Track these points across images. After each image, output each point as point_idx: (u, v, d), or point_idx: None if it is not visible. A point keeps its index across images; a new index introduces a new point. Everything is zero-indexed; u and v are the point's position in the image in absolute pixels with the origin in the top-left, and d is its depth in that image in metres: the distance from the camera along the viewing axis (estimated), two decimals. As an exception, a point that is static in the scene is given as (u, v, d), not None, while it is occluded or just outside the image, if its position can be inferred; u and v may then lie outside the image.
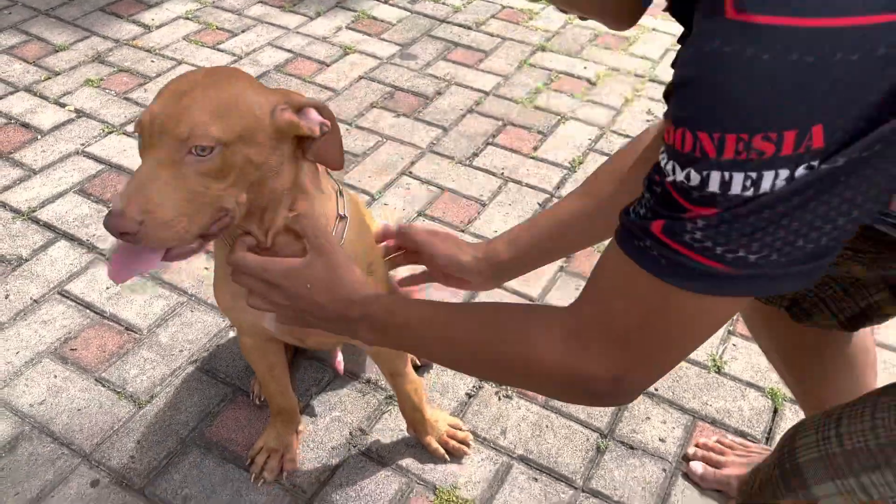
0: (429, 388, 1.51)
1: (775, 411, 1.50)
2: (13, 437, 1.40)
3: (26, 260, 1.77)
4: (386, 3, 3.00)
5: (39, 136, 2.17)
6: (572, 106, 2.42)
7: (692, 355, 1.59)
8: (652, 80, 2.57)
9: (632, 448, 1.43)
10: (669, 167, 0.57)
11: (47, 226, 1.86)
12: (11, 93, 2.35)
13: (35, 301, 1.66)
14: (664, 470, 1.39)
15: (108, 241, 1.81)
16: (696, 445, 1.43)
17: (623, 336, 0.65)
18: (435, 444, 1.39)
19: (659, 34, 2.86)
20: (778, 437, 1.43)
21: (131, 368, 1.53)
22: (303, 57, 2.62)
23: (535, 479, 1.37)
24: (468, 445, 1.40)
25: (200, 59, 2.56)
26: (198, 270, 1.76)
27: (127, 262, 0.84)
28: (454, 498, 1.33)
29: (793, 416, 1.50)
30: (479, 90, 2.49)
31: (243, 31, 2.74)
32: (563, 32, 2.86)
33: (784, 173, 0.52)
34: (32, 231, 1.84)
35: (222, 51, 2.62)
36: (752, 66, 0.50)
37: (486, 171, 2.12)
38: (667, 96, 0.81)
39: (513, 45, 2.76)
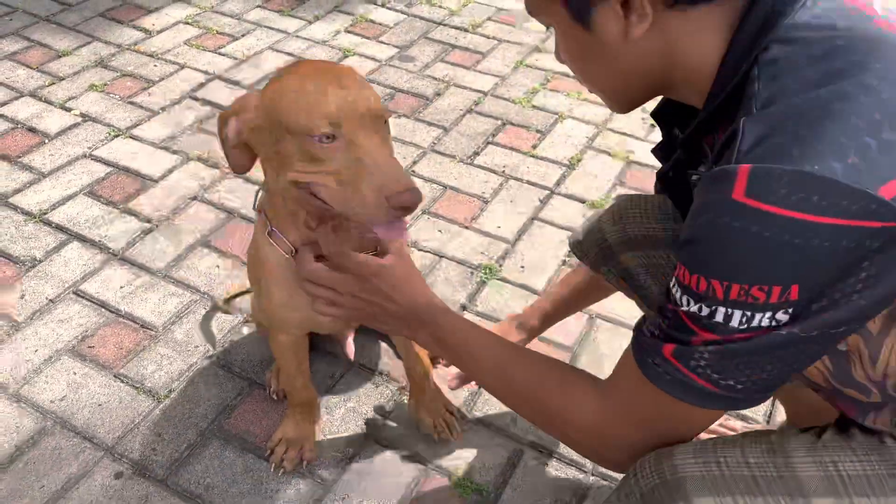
0: (439, 380, 1.56)
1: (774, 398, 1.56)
2: (36, 431, 1.43)
3: (40, 261, 1.80)
4: (383, 6, 3.05)
5: (47, 141, 2.20)
6: (569, 105, 2.47)
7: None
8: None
9: (638, 433, 1.48)
10: (683, 300, 0.73)
11: (59, 227, 1.89)
12: (16, 98, 2.38)
13: (51, 301, 1.70)
14: (670, 453, 1.44)
15: (122, 242, 1.84)
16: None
17: (638, 422, 0.83)
18: (427, 419, 1.44)
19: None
20: (779, 420, 1.49)
21: (149, 364, 1.57)
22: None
23: (546, 465, 1.42)
24: (454, 430, 1.44)
25: (203, 62, 2.60)
26: (209, 269, 1.80)
27: (399, 228, 0.92)
28: (469, 483, 1.38)
29: (791, 400, 1.55)
30: (478, 90, 2.54)
31: (243, 35, 2.78)
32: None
33: (768, 314, 0.69)
34: (45, 233, 1.88)
35: (224, 55, 2.65)
36: (755, 238, 0.66)
37: (488, 169, 2.17)
38: (655, 116, 0.97)
39: (509, 47, 2.81)
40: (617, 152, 2.26)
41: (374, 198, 0.88)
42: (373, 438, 1.45)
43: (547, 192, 2.10)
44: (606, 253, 1.25)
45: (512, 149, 2.27)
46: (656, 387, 0.77)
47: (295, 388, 1.36)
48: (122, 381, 1.53)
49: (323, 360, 1.60)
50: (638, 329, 0.81)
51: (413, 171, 2.15)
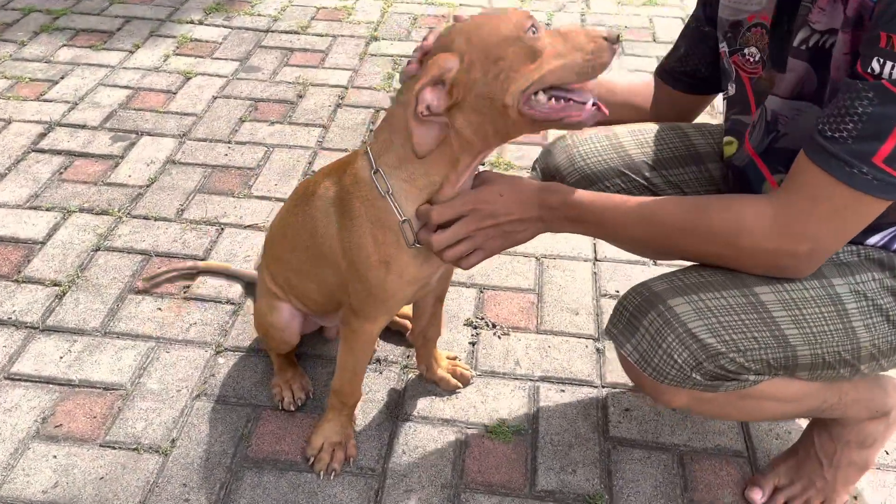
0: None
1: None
2: (42, 528, 1.27)
3: (-53, 357, 1.57)
4: (201, 24, 2.94)
5: None
6: (428, 82, 2.58)
7: (648, 265, 1.84)
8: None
9: (622, 342, 1.64)
10: (892, 70, 0.84)
11: (-48, 317, 1.65)
12: None
13: (-17, 394, 1.49)
14: (655, 350, 1.62)
15: (36, 313, 1.65)
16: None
17: (825, 227, 0.93)
18: (446, 375, 1.51)
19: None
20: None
21: (136, 423, 1.45)
22: (145, 90, 2.50)
23: (563, 391, 1.53)
24: (470, 374, 1.53)
25: (31, 113, 2.35)
26: (153, 313, 1.67)
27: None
28: (505, 429, 1.45)
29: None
30: (337, 86, 2.56)
31: (63, 77, 2.55)
32: (385, 21, 3.00)
33: None
34: (-63, 327, 1.63)
35: (51, 101, 2.42)
36: None
37: (382, 154, 2.22)
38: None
39: (345, 41, 2.85)
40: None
41: (594, 45, 0.99)
42: (398, 418, 1.47)
43: (446, 162, 2.19)
44: None
45: (397, 131, 2.33)
46: (857, 190, 0.89)
47: (357, 386, 1.34)
48: (115, 448, 1.40)
49: (318, 364, 1.57)
50: (826, 139, 0.90)
51: (313, 172, 2.14)
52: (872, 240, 1.05)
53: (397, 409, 1.49)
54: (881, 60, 0.86)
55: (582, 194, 1.09)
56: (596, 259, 1.86)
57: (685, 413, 1.49)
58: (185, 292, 1.74)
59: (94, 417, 1.46)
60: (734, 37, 1.15)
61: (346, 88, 2.55)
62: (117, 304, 1.70)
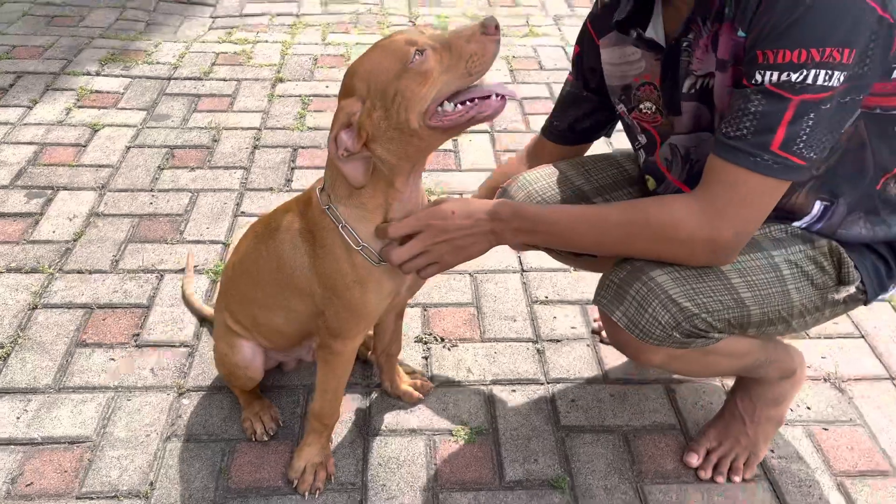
0: (390, 367, 1.71)
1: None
2: (31, 586, 1.27)
3: None
4: (98, 75, 2.91)
5: None
6: (339, 119, 2.69)
7: (570, 272, 2.03)
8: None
9: (559, 342, 1.81)
10: (773, 77, 1.05)
11: None
12: None
13: (-60, 464, 1.46)
14: (588, 345, 1.80)
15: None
16: (595, 321, 1.86)
17: (743, 211, 1.12)
18: (409, 388, 1.63)
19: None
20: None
21: (109, 471, 1.46)
22: (52, 145, 2.46)
23: (514, 391, 1.68)
24: (428, 385, 1.66)
25: (-68, 176, 2.27)
26: (104, 363, 1.68)
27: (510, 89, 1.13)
28: (468, 431, 1.57)
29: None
30: (251, 128, 2.63)
31: (-40, 138, 2.47)
32: (286, 63, 3.09)
33: (838, 74, 1.03)
34: None
35: (-48, 162, 2.34)
36: (838, 9, 1.01)
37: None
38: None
39: (251, 84, 2.92)
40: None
41: (475, 45, 1.08)
42: (369, 434, 1.56)
43: (370, 193, 2.31)
44: None
45: (319, 167, 2.42)
46: (764, 175, 1.08)
47: (338, 407, 1.42)
48: (93, 499, 1.41)
49: (283, 393, 1.64)
50: (727, 137, 1.10)
51: (243, 212, 2.20)
52: (795, 224, 1.28)
53: (366, 425, 1.58)
54: (762, 72, 1.08)
55: (530, 206, 1.25)
56: (523, 270, 2.03)
57: (660, 369, 1.67)
58: (135, 340, 1.76)
59: (65, 472, 1.46)
60: (628, 98, 1.37)
61: (260, 130, 2.62)
62: (66, 359, 1.70)
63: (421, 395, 1.63)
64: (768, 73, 1.07)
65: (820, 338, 1.84)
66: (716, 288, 1.21)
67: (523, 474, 1.49)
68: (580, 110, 1.52)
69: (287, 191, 2.30)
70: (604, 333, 1.81)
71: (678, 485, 1.48)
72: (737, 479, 1.49)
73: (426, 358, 1.75)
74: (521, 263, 2.05)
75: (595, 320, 1.86)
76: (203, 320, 1.80)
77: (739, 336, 1.29)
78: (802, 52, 1.03)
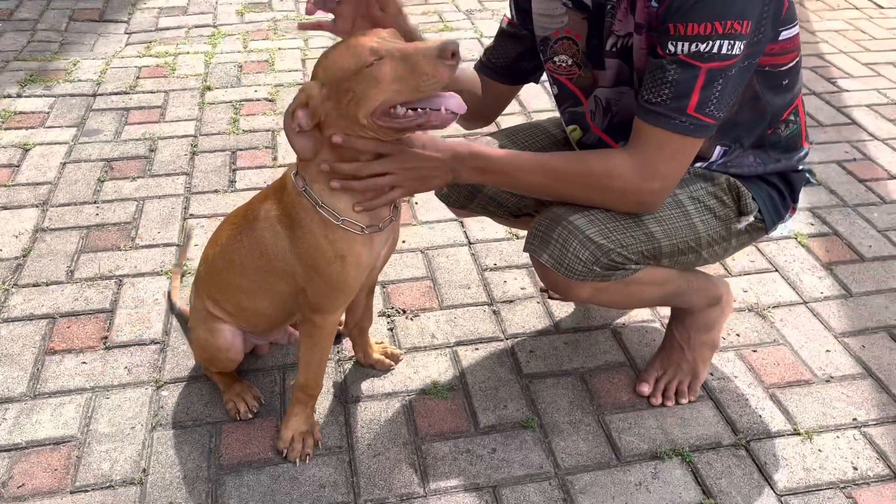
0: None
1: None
2: (41, 576, 1.31)
3: None
4: (20, 96, 2.88)
5: None
6: (267, 121, 2.76)
7: (494, 238, 2.17)
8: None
9: (512, 302, 1.95)
10: (684, 47, 1.21)
11: None
12: None
13: (-76, 478, 1.47)
14: (538, 302, 1.95)
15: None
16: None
17: (669, 166, 1.29)
18: (380, 357, 1.74)
19: (287, 53, 3.33)
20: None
21: (101, 465, 1.50)
22: (-17, 167, 2.44)
23: (477, 349, 1.80)
24: (399, 354, 1.76)
25: None
26: (77, 366, 1.71)
27: (458, 100, 1.22)
28: (441, 388, 1.69)
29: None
30: (186, 135, 2.66)
31: None
32: (211, 71, 3.13)
33: (739, 43, 1.20)
34: None
35: None
36: None
37: (251, 188, 2.37)
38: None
39: (179, 94, 2.95)
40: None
41: (427, 63, 1.14)
42: (348, 402, 1.65)
43: (314, 187, 2.40)
44: (469, 190, 1.66)
45: (260, 167, 2.49)
46: (683, 135, 1.26)
47: (321, 378, 1.50)
48: (88, 491, 1.45)
49: (258, 377, 1.71)
50: (647, 103, 1.26)
51: (192, 215, 2.25)
52: (696, 164, 1.45)
53: (344, 394, 1.68)
54: (674, 43, 1.24)
55: (487, 148, 1.37)
56: (470, 242, 2.16)
57: (585, 305, 1.82)
58: (104, 343, 1.79)
59: (56, 470, 1.49)
60: (545, 48, 1.52)
61: (196, 137, 2.65)
62: (37, 367, 1.72)
63: (392, 363, 1.74)
64: (680, 43, 1.23)
65: (741, 274, 2.04)
66: (627, 225, 1.38)
67: (496, 420, 1.62)
68: (519, 48, 1.60)
69: (232, 191, 2.36)
70: (552, 291, 1.96)
71: (634, 412, 1.64)
72: (683, 401, 1.66)
73: (391, 329, 1.86)
74: (467, 237, 2.18)
75: (542, 280, 2.01)
76: (180, 316, 1.85)
77: (656, 266, 1.45)
78: (708, 26, 1.20)
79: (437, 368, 1.75)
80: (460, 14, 3.77)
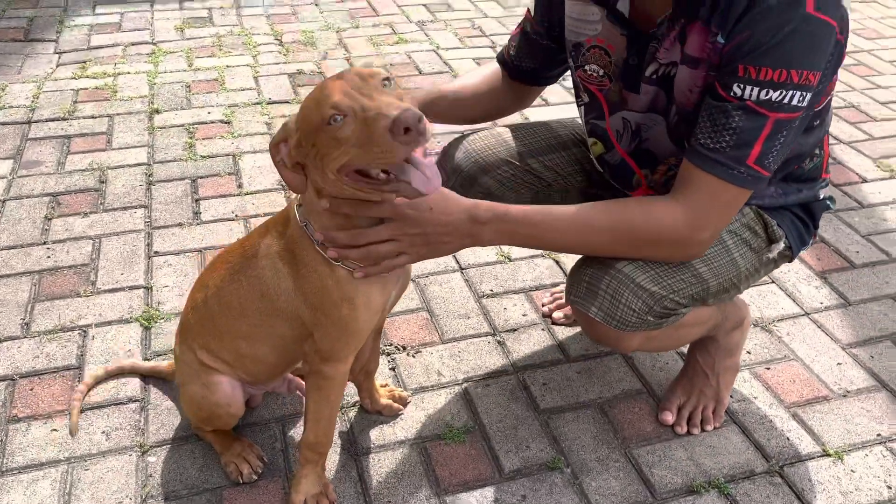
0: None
1: (558, 263, 2.09)
2: None
3: None
4: (-57, 126, 2.61)
5: None
6: (226, 145, 2.58)
7: (506, 264, 2.07)
8: (255, 104, 2.87)
9: (516, 331, 1.85)
10: (754, 93, 1.13)
11: None
12: None
13: None
14: (543, 329, 1.86)
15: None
16: (543, 305, 1.92)
17: (720, 217, 1.22)
18: (388, 401, 1.61)
19: (237, 71, 3.15)
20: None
21: (88, 550, 1.32)
22: None
23: (487, 385, 1.70)
24: (406, 397, 1.64)
25: None
26: (47, 436, 1.52)
27: (433, 174, 1.05)
28: (456, 432, 1.57)
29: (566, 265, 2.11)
30: (138, 164, 2.46)
31: None
32: (158, 93, 2.93)
33: (809, 94, 1.13)
34: None
35: None
36: (816, 37, 1.11)
37: (219, 220, 2.20)
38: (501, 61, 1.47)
39: (125, 118, 2.73)
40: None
41: (382, 135, 0.97)
42: (359, 455, 1.52)
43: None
44: (466, 181, 1.55)
45: (224, 195, 2.31)
46: (739, 186, 1.18)
47: (332, 434, 1.35)
48: (77, 582, 1.27)
49: (255, 433, 1.56)
50: (702, 147, 1.18)
51: (157, 252, 2.06)
52: None
53: (353, 446, 1.54)
54: (741, 86, 1.14)
55: (510, 208, 1.24)
56: (462, 268, 2.06)
57: (639, 351, 1.74)
58: (75, 405, 1.60)
59: (35, 561, 1.31)
60: (576, 55, 1.42)
61: (150, 165, 2.46)
62: (0, 439, 1.51)
63: (401, 407, 1.61)
64: (749, 88, 1.13)
65: (741, 289, 2.01)
66: (676, 269, 1.29)
67: (520, 462, 1.52)
68: (545, 54, 1.51)
69: (198, 223, 2.18)
70: (555, 315, 1.88)
71: (661, 443, 1.57)
72: (709, 427, 1.60)
73: (393, 369, 1.73)
74: (458, 262, 2.08)
75: (543, 304, 1.92)
76: (145, 377, 1.67)
77: (700, 306, 1.38)
78: (783, 73, 1.11)
79: (449, 410, 1.63)
80: (412, 26, 3.67)
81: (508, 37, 1.66)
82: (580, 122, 1.58)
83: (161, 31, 3.51)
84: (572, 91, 1.47)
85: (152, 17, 3.64)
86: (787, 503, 1.45)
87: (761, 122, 1.14)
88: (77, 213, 2.21)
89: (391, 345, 1.79)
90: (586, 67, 1.41)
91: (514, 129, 1.60)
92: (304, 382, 1.62)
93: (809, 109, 1.19)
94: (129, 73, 3.08)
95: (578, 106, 1.50)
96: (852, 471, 1.52)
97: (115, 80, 3.02)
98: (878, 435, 1.60)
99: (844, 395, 1.70)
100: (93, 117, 2.73)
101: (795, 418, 1.64)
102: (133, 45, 3.36)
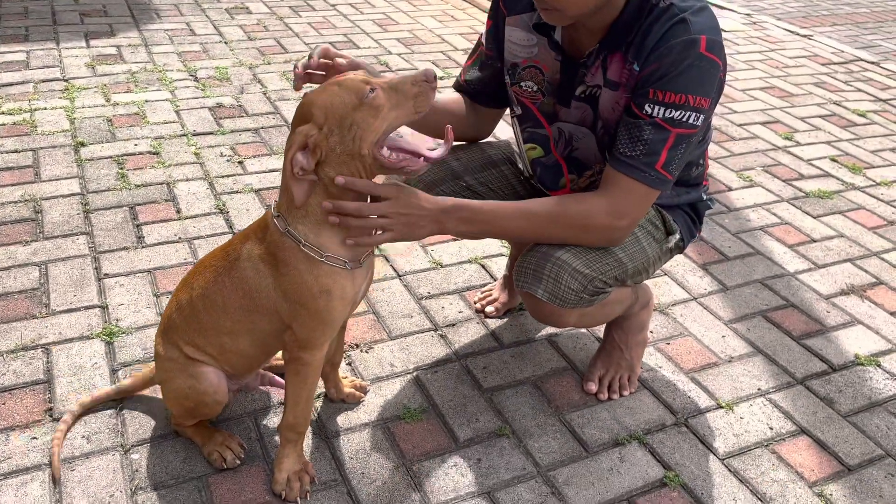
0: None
1: (484, 267, 2.35)
2: None
3: None
4: None
5: None
6: (158, 174, 2.69)
7: (438, 270, 2.30)
8: (180, 135, 2.99)
9: (454, 325, 2.08)
10: (661, 112, 1.42)
11: None
12: None
13: None
14: (478, 322, 2.10)
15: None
16: (476, 302, 2.17)
17: (636, 209, 1.50)
18: (351, 390, 1.80)
19: (157, 105, 3.25)
20: (497, 273, 2.27)
21: (89, 538, 1.42)
22: None
23: (436, 372, 1.91)
24: (366, 387, 1.84)
25: None
26: (28, 444, 1.59)
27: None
28: (414, 411, 1.78)
29: (498, 264, 2.37)
30: (72, 194, 2.52)
31: None
32: (79, 126, 2.98)
33: (702, 116, 1.44)
34: None
35: None
36: (707, 73, 1.43)
37: (163, 243, 2.31)
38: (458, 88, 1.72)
39: (50, 151, 2.78)
40: (245, 189, 2.65)
41: (417, 89, 1.31)
42: (329, 437, 1.69)
43: (230, 234, 2.38)
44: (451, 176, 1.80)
45: (165, 220, 2.42)
46: (649, 186, 1.46)
47: (309, 414, 1.52)
48: (84, 566, 1.37)
49: (231, 426, 1.69)
50: (620, 154, 1.46)
51: (106, 275, 2.14)
52: None
53: (323, 430, 1.71)
54: (651, 106, 1.45)
55: (470, 202, 1.50)
56: (399, 275, 2.27)
57: (574, 327, 1.99)
58: (50, 415, 1.68)
59: (38, 553, 1.39)
60: (513, 73, 1.70)
61: (84, 195, 2.53)
62: (-20, 450, 1.58)
63: (362, 395, 1.80)
64: (657, 107, 1.44)
65: (640, 281, 2.34)
66: (601, 255, 1.59)
67: (472, 433, 1.74)
68: (498, 77, 1.75)
69: (143, 246, 2.28)
70: (487, 309, 2.13)
71: (588, 408, 1.84)
72: (626, 392, 1.89)
73: (350, 364, 1.92)
74: (395, 270, 2.29)
75: (476, 302, 2.17)
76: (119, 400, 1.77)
77: (621, 286, 1.68)
78: (683, 97, 1.43)
79: (405, 394, 1.84)
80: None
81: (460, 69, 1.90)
82: (509, 141, 1.86)
83: (71, 67, 3.55)
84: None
85: (60, 55, 3.67)
86: (693, 446, 1.75)
87: (666, 136, 1.45)
88: (18, 242, 2.26)
89: (345, 344, 1.98)
90: (521, 84, 1.69)
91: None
92: (275, 376, 1.78)
93: (703, 129, 1.52)
94: (45, 108, 3.12)
95: (512, 118, 1.78)
96: (741, 418, 1.85)
97: (31, 115, 3.04)
98: (759, 389, 1.95)
99: (730, 361, 2.04)
100: (16, 151, 2.75)
101: (693, 381, 1.95)
102: (44, 81, 3.38)
